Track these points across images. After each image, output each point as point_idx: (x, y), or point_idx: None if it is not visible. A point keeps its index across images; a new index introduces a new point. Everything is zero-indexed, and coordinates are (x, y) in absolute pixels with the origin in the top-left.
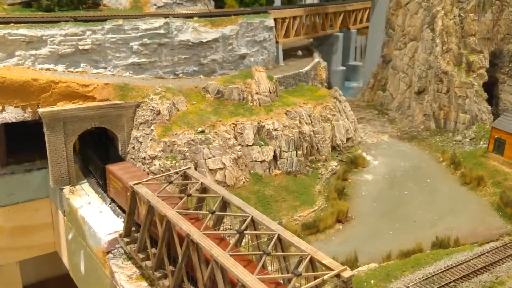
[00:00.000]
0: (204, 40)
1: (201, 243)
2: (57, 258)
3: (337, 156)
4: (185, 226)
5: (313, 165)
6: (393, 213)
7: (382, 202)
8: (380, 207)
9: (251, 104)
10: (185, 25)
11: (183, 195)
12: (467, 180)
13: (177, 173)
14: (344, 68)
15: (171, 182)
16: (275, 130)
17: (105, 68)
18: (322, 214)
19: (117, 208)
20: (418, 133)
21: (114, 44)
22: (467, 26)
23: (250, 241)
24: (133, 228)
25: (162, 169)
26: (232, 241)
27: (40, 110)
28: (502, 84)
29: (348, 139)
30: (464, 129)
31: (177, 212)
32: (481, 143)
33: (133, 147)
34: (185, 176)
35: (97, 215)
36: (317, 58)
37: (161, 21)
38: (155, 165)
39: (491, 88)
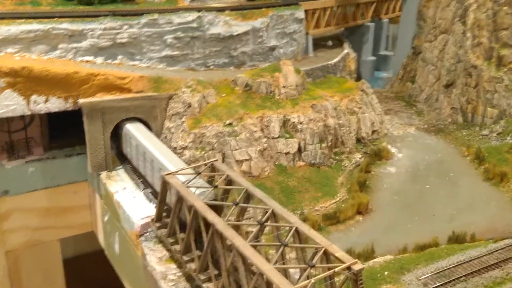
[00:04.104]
0: (234, 33)
1: (225, 233)
2: (94, 236)
3: (361, 148)
4: (210, 216)
5: (337, 157)
6: (413, 206)
7: (403, 195)
8: (400, 200)
9: (278, 97)
10: (217, 18)
11: (210, 186)
12: (490, 175)
13: (205, 165)
14: (374, 58)
15: (199, 174)
16: (300, 123)
17: (140, 60)
18: (343, 205)
19: (150, 194)
20: (445, 126)
21: (149, 38)
22: (500, 20)
23: (271, 232)
24: (164, 214)
25: (191, 158)
26: (253, 231)
27: (81, 100)
28: None
29: (373, 132)
30: (491, 124)
31: (204, 202)
32: (508, 138)
33: (165, 137)
34: (212, 168)
35: (131, 200)
36: (346, 48)
37: (194, 15)
38: (185, 155)
39: None
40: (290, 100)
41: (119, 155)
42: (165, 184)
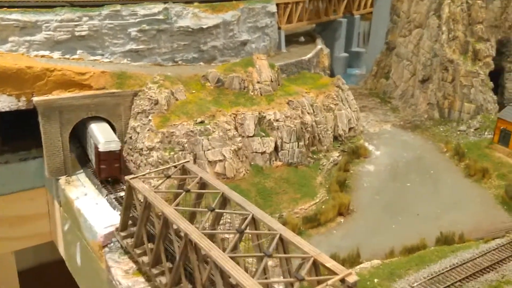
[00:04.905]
0: (204, 26)
1: (200, 243)
2: (53, 245)
3: (338, 146)
4: (183, 224)
5: (314, 156)
6: (396, 206)
7: (384, 194)
8: (382, 199)
9: (252, 93)
10: (185, 10)
11: (181, 190)
12: (472, 172)
13: (175, 167)
14: (347, 54)
15: (169, 177)
16: (277, 120)
17: (102, 55)
18: (323, 207)
19: (114, 200)
20: (421, 123)
21: (111, 30)
22: (475, 13)
23: (251, 241)
24: (130, 222)
25: (160, 160)
26: (232, 240)
27: (35, 99)
28: (508, 73)
29: (350, 129)
30: (468, 119)
31: (175, 209)
32: (486, 133)
33: (130, 137)
34: (184, 170)
35: (93, 207)
36: (320, 44)
37: (160, 7)
38: (152, 156)
39: (496, 77)
40: (265, 96)
41: (79, 158)
42: (130, 189)
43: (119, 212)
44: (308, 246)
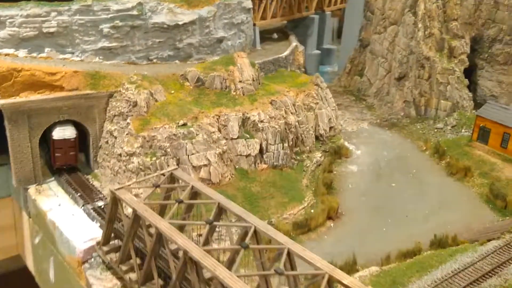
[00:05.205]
0: (180, 23)
1: (203, 262)
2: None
3: (320, 146)
4: (181, 240)
5: (298, 157)
6: (384, 207)
7: (370, 195)
8: (369, 201)
9: (234, 93)
10: (160, 5)
11: (172, 201)
12: (454, 170)
13: (163, 174)
14: (319, 52)
15: (158, 186)
16: (261, 121)
17: (73, 53)
18: (312, 211)
19: (92, 210)
20: (398, 120)
21: (82, 27)
22: (450, 10)
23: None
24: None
25: (141, 167)
26: (236, 258)
27: (0, 101)
28: (481, 70)
29: (330, 128)
30: (445, 116)
31: (170, 223)
32: (463, 130)
33: (107, 142)
34: (172, 178)
35: (69, 219)
36: (294, 41)
37: (134, 1)
38: (133, 162)
39: (469, 74)
40: (248, 96)
41: (50, 165)
42: (115, 201)
43: (98, 224)
44: (321, 261)
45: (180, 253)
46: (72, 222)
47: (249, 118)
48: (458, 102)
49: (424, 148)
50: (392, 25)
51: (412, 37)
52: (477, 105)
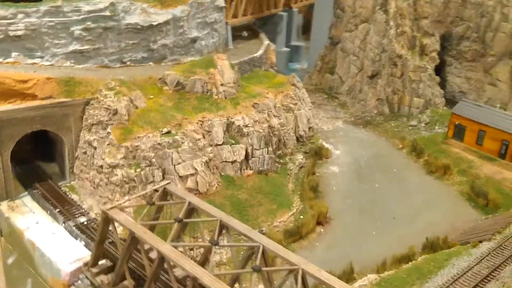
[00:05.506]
0: (154, 23)
1: None
2: None
3: (300, 147)
4: (188, 266)
5: (281, 161)
6: (370, 210)
7: (355, 197)
8: (355, 203)
9: (216, 97)
10: (133, 5)
11: (171, 220)
12: (432, 168)
13: (156, 190)
14: (288, 49)
15: (153, 204)
16: (246, 126)
17: (42, 57)
18: (301, 217)
19: (74, 228)
20: (372, 118)
21: (52, 29)
22: (420, 9)
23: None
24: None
25: (125, 179)
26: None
27: None
28: (449, 66)
29: (309, 129)
30: (418, 114)
31: (173, 245)
32: (436, 127)
33: (85, 152)
34: (165, 193)
35: (50, 238)
36: (265, 40)
37: (106, 2)
38: (116, 175)
39: (438, 71)
40: (230, 100)
41: (22, 179)
42: (107, 221)
43: (83, 243)
44: (338, 281)
45: (188, 279)
46: (54, 242)
47: (233, 123)
48: (431, 99)
49: (401, 146)
50: (363, 23)
51: (384, 35)
52: (448, 101)
